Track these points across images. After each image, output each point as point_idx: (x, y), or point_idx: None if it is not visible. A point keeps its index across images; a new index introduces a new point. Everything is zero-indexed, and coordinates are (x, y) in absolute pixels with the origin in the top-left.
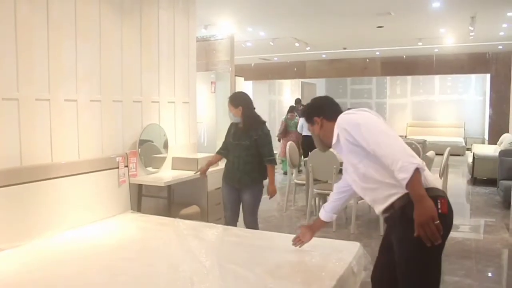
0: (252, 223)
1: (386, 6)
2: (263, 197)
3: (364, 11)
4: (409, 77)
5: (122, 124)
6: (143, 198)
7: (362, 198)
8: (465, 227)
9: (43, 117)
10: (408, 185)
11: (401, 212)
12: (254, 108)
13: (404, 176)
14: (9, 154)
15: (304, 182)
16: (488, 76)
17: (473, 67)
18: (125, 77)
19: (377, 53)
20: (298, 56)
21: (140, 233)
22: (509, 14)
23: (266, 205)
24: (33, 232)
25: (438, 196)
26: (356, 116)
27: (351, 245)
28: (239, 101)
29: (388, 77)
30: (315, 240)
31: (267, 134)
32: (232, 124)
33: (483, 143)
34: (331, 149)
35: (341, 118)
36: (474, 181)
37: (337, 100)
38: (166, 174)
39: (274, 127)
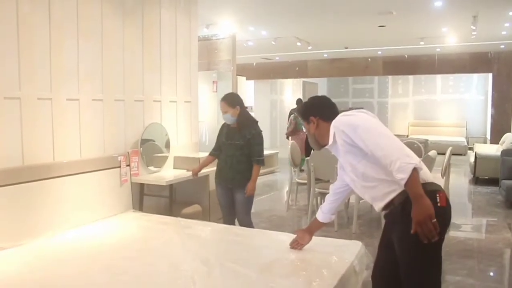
0: (246, 222)
1: (388, 5)
2: (263, 196)
3: (366, 10)
4: (411, 77)
5: (124, 123)
6: (145, 197)
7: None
8: (467, 227)
9: (45, 116)
10: (406, 185)
11: (401, 208)
12: (246, 108)
13: (403, 176)
14: (11, 153)
15: (306, 181)
16: (490, 75)
17: (475, 67)
18: (127, 76)
19: (379, 52)
20: (300, 55)
21: (141, 232)
22: (511, 13)
23: (268, 204)
24: (35, 231)
25: (436, 190)
26: (353, 117)
27: (352, 244)
28: (236, 101)
29: (390, 77)
30: (316, 239)
31: (259, 134)
32: (224, 125)
33: (485, 142)
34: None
35: (338, 120)
36: (476, 180)
37: (339, 100)
38: (167, 173)
39: (275, 127)
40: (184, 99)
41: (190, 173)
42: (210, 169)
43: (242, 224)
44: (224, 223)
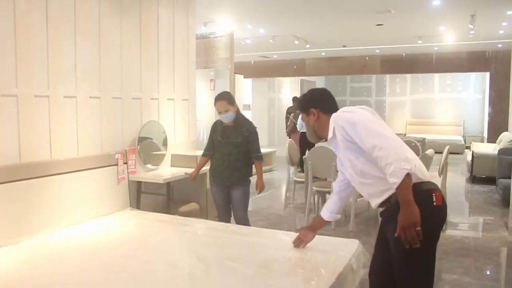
0: (243, 219)
1: (386, 4)
2: (261, 194)
3: (364, 9)
4: (408, 75)
5: (121, 121)
6: (142, 195)
7: (361, 196)
8: (464, 225)
9: (42, 114)
10: (397, 189)
11: (397, 206)
12: None
13: (395, 180)
14: (8, 151)
15: (303, 179)
16: (487, 74)
17: (473, 66)
18: (125, 74)
19: (377, 51)
20: (298, 53)
21: (139, 230)
22: (509, 12)
23: (265, 202)
24: (32, 229)
25: (433, 189)
26: (353, 115)
27: (350, 243)
28: (233, 99)
29: (387, 75)
30: (314, 238)
31: (255, 131)
32: (216, 124)
33: (482, 141)
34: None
35: (338, 115)
36: (473, 179)
37: (337, 98)
38: (165, 171)
39: (273, 125)
40: (181, 97)
41: (188, 170)
42: (207, 167)
43: (238, 221)
44: (220, 221)
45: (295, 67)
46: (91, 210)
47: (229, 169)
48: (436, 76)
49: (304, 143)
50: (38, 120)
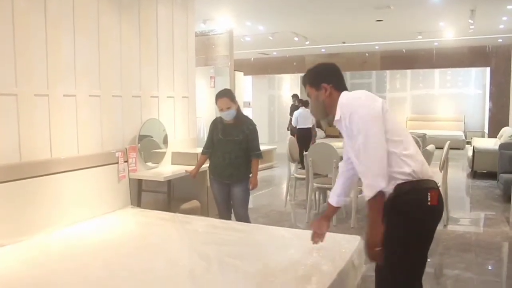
0: (244, 217)
1: (385, 0)
2: (260, 192)
3: (363, 4)
4: (408, 71)
5: (121, 119)
6: (143, 193)
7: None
8: (465, 221)
9: (42, 113)
10: (368, 204)
11: (390, 204)
12: None
13: (368, 194)
14: (8, 149)
15: (304, 176)
16: (488, 69)
17: (473, 61)
18: (124, 72)
19: (377, 47)
20: (297, 50)
21: (140, 228)
22: (509, 7)
23: (266, 199)
24: (33, 228)
25: (428, 188)
26: (360, 109)
27: (351, 239)
28: (234, 96)
29: (387, 71)
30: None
31: (255, 129)
32: (216, 121)
33: (483, 136)
34: (329, 142)
35: (349, 102)
36: (474, 174)
37: None
38: (165, 169)
39: (273, 122)
40: (181, 94)
41: (188, 168)
42: (207, 165)
43: (239, 218)
44: (221, 218)
45: (295, 64)
46: (92, 209)
47: (229, 167)
48: (437, 72)
49: (301, 140)
50: (38, 119)
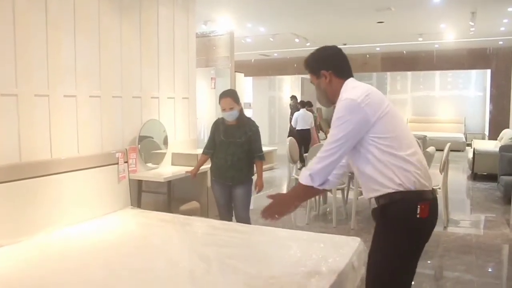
0: (245, 219)
1: (386, 2)
2: (261, 193)
3: (364, 6)
4: (409, 73)
5: (121, 120)
6: (143, 194)
7: (362, 194)
8: (466, 223)
9: (42, 113)
10: (298, 183)
11: (380, 210)
12: None
13: (302, 180)
14: (8, 150)
15: None
16: (488, 71)
17: (474, 63)
18: (125, 73)
19: (377, 48)
20: (298, 52)
21: (140, 229)
22: (509, 9)
23: (267, 201)
24: (33, 228)
25: (419, 201)
26: (348, 110)
27: (351, 241)
28: (238, 98)
29: (388, 73)
30: (315, 236)
31: (258, 130)
32: (218, 122)
33: (483, 138)
34: None
35: (345, 99)
36: (475, 176)
37: None
38: (166, 170)
39: (274, 123)
40: (182, 95)
41: (188, 169)
42: (208, 166)
43: (240, 220)
44: (221, 220)
45: (295, 65)
46: (92, 209)
47: (231, 169)
48: (437, 74)
49: (300, 141)
50: (38, 120)
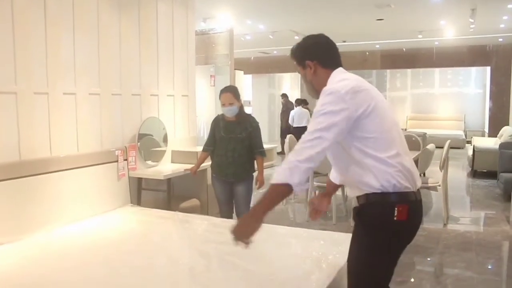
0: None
1: None
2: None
3: (363, 3)
4: (409, 70)
5: (121, 118)
6: (143, 192)
7: None
8: (466, 220)
9: (42, 111)
10: (269, 188)
11: (358, 211)
12: None
13: (277, 178)
14: (8, 148)
15: None
16: (488, 68)
17: (473, 60)
18: (124, 70)
19: (377, 46)
20: None
21: (140, 227)
22: (509, 6)
23: None
24: (33, 226)
25: (398, 202)
26: (335, 96)
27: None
28: (239, 94)
29: (388, 70)
30: (315, 233)
31: (258, 126)
32: (218, 119)
33: (483, 135)
34: None
35: (332, 86)
36: (474, 173)
37: None
38: (165, 168)
39: (273, 121)
40: (181, 93)
41: (188, 167)
42: (208, 163)
43: (241, 216)
44: (222, 217)
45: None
46: (92, 207)
47: (232, 166)
48: (437, 71)
49: (297, 137)
50: (37, 117)
